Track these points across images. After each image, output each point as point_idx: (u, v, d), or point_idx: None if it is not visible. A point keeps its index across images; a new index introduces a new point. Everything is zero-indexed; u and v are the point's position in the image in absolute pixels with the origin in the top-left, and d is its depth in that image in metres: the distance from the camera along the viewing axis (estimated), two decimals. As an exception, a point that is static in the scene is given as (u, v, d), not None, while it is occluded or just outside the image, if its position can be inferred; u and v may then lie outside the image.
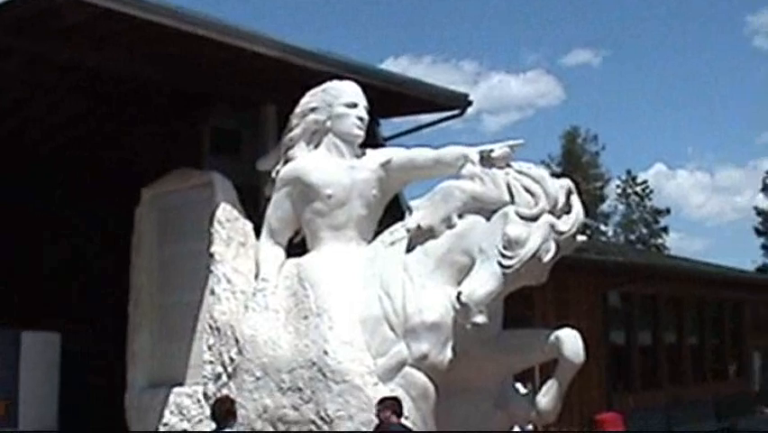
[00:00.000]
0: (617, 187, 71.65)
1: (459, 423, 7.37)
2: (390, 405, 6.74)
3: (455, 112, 13.37)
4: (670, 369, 24.07)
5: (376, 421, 6.81)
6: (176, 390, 8.97)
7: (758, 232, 76.56)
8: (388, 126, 14.38)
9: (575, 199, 7.10)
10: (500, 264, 6.81)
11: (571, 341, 7.25)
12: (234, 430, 7.17)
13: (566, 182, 7.17)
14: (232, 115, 11.58)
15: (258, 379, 8.00)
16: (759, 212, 76.56)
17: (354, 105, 8.67)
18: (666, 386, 23.21)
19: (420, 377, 7.15)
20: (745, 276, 32.94)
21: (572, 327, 7.35)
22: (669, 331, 24.71)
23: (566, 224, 6.96)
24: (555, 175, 8.39)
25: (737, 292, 28.24)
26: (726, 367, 27.77)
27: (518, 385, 9.38)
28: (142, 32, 9.05)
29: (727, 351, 27.73)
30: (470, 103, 13.12)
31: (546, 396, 7.33)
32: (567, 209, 7.02)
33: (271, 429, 7.81)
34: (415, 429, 6.95)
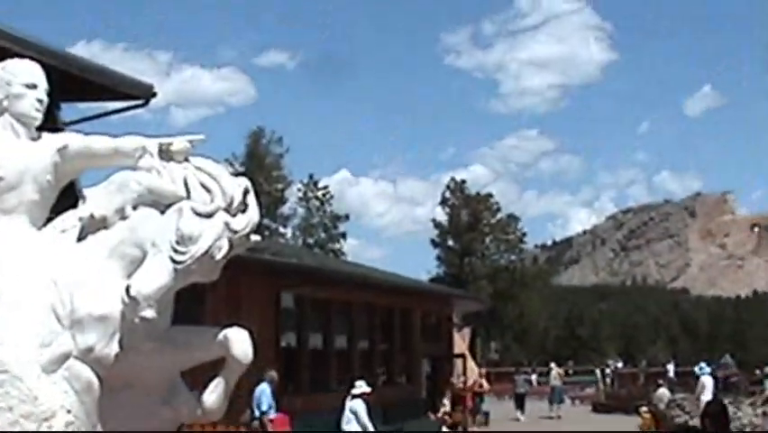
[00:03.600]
0: (299, 190, 73.21)
1: (124, 418, 7.34)
2: None
3: (139, 102, 13.31)
4: (340, 372, 24.88)
5: (37, 412, 6.68)
6: None
7: (434, 243, 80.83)
8: (70, 111, 14.09)
9: (251, 199, 7.26)
10: (172, 259, 6.85)
11: (239, 340, 7.37)
12: None
13: (244, 181, 7.32)
14: None
15: None
16: (436, 224, 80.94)
17: (34, 86, 8.39)
18: (336, 389, 23.96)
19: (85, 370, 7.05)
20: (415, 285, 34.66)
21: (243, 327, 7.49)
22: (340, 335, 25.56)
23: (241, 223, 7.09)
24: (236, 174, 8.55)
25: (408, 300, 29.65)
26: (395, 372, 29.07)
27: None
28: None
29: (397, 357, 29.02)
30: (154, 94, 13.11)
31: (213, 394, 7.41)
32: (243, 208, 7.16)
33: None
34: (78, 423, 6.88)
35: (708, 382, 27.33)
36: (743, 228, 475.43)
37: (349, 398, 19.23)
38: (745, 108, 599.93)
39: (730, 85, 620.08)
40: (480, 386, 37.25)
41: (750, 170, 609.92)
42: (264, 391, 18.93)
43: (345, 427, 18.80)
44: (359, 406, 18.83)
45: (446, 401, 31.15)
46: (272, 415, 18.92)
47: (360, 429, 18.60)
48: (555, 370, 41.93)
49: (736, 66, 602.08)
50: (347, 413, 18.85)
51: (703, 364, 34.25)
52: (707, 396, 26.43)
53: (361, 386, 19.28)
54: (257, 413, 18.94)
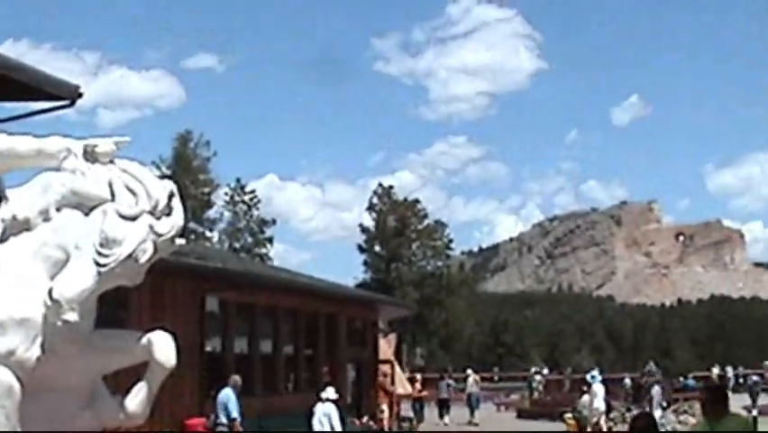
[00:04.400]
0: (226, 194, 72.83)
1: (45, 422, 7.30)
2: None
3: (65, 102, 13.20)
4: (265, 377, 24.84)
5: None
6: None
7: (361, 249, 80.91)
8: (-6, 111, 13.92)
9: (177, 202, 7.28)
10: (96, 262, 6.84)
11: (162, 344, 7.38)
12: None
13: (169, 184, 7.34)
14: None
15: None
16: (363, 230, 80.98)
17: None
18: (260, 394, 23.95)
19: (5, 373, 7.01)
20: (341, 290, 34.67)
21: (167, 331, 7.50)
22: (265, 340, 25.53)
23: (165, 226, 7.11)
24: (162, 177, 8.55)
25: (334, 305, 29.69)
26: (319, 377, 29.09)
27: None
28: None
29: (321, 362, 29.03)
30: (80, 94, 13.01)
31: (135, 399, 7.41)
32: (168, 212, 7.18)
33: None
34: (-3, 428, 6.83)
35: (599, 389, 27.86)
36: (668, 237, 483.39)
37: (320, 403, 20.47)
38: (672, 118, 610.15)
39: (657, 94, 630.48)
40: (420, 391, 37.71)
41: (676, 180, 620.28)
42: (230, 397, 19.04)
43: (317, 428, 19.57)
44: (332, 410, 20.07)
45: (385, 407, 31.33)
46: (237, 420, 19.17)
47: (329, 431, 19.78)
48: (472, 376, 42.30)
49: (663, 75, 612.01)
50: (319, 416, 19.64)
51: (595, 372, 35.08)
52: (598, 403, 27.07)
53: (331, 392, 20.84)
54: (223, 419, 19.09)
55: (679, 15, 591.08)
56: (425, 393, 39.02)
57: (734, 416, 8.97)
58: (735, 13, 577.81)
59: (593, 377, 32.31)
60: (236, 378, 19.73)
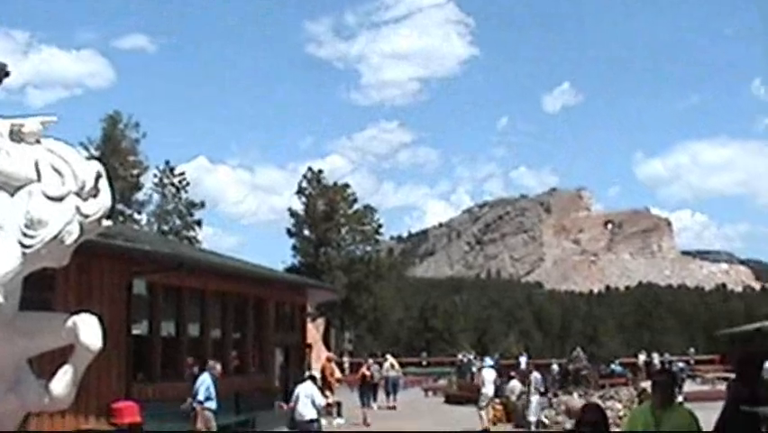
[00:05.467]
0: (155, 176, 72.20)
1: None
2: None
3: (-8, 81, 12.99)
4: (193, 361, 24.72)
5: None
6: None
7: (290, 233, 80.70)
8: None
9: (104, 184, 7.22)
10: (20, 243, 6.76)
11: (88, 327, 7.31)
12: None
13: (96, 165, 7.28)
14: None
15: None
16: (292, 214, 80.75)
17: None
18: (188, 378, 23.84)
19: (-73, 357, 6.93)
20: (270, 274, 34.61)
21: (93, 314, 7.44)
22: (193, 323, 25.42)
23: (92, 207, 7.05)
24: (90, 158, 8.47)
25: (262, 289, 29.66)
26: (248, 361, 29.02)
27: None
28: None
29: (250, 346, 28.99)
30: (7, 73, 12.84)
31: (60, 382, 7.35)
32: (95, 193, 7.12)
33: None
34: None
35: (488, 375, 28.29)
36: (597, 224, 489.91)
37: (301, 384, 20.65)
38: (602, 105, 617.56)
39: (588, 82, 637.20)
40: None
41: (605, 168, 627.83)
42: (203, 382, 18.96)
43: (302, 409, 19.61)
44: (314, 390, 20.19)
45: (328, 393, 31.38)
46: (213, 406, 19.06)
47: (315, 412, 19.93)
48: (390, 361, 42.46)
49: (595, 64, 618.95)
50: (302, 397, 19.74)
51: (487, 358, 35.45)
52: (487, 389, 27.52)
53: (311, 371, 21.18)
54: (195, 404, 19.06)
55: (610, 4, 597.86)
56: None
57: (679, 407, 8.85)
58: (666, 4, 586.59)
59: (483, 362, 32.95)
60: (213, 363, 19.79)
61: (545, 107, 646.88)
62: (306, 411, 19.78)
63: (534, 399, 26.94)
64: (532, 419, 26.67)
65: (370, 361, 39.57)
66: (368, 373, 34.82)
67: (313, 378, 21.48)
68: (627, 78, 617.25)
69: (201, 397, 18.77)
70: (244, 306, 28.47)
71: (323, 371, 30.47)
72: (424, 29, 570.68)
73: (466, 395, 39.73)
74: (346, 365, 61.14)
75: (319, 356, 37.87)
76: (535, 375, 28.16)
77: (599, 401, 27.26)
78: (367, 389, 33.54)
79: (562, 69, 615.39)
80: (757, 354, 19.35)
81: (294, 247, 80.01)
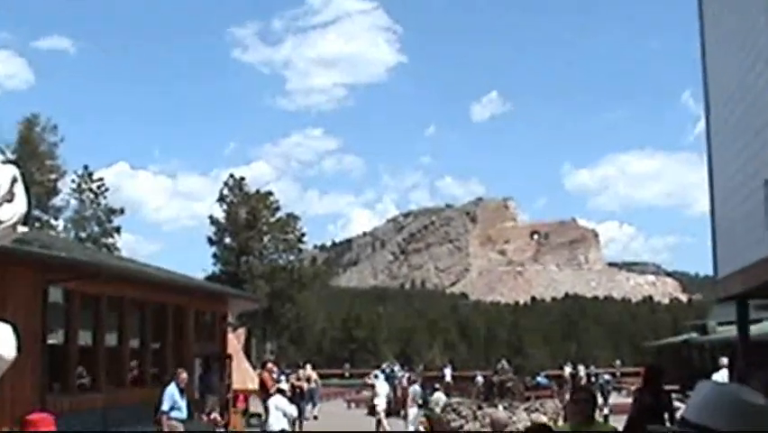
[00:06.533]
0: (73, 181, 71.32)
1: None
2: None
3: None
4: (110, 371, 24.48)
5: None
6: None
7: (211, 241, 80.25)
8: None
9: (19, 188, 7.12)
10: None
11: (2, 336, 7.23)
12: None
13: (11, 169, 7.18)
14: None
15: None
16: (213, 221, 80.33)
17: None
18: (106, 388, 23.62)
19: None
20: (190, 282, 34.39)
21: (7, 322, 7.34)
22: (111, 332, 25.15)
23: (7, 213, 6.96)
24: (5, 161, 8.37)
25: (182, 298, 29.46)
26: (167, 371, 28.79)
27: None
28: None
29: (169, 356, 28.76)
30: None
31: (-29, 392, 7.27)
32: (9, 198, 7.03)
33: None
34: None
35: (380, 388, 28.70)
36: (523, 235, 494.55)
37: (272, 397, 21.16)
38: (531, 116, 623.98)
39: (516, 92, 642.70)
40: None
41: (533, 178, 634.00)
42: (166, 392, 18.85)
43: (273, 421, 19.77)
44: (283, 402, 20.55)
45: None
46: (182, 415, 18.94)
47: (286, 423, 20.31)
48: (308, 371, 42.67)
49: (523, 73, 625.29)
50: (272, 410, 19.86)
51: (377, 372, 35.93)
52: (379, 402, 27.98)
53: (283, 384, 22.50)
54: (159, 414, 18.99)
55: (541, 14, 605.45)
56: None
57: (601, 424, 9.01)
58: (597, 15, 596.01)
59: (376, 376, 33.45)
60: (180, 372, 19.77)
61: (473, 116, 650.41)
62: (277, 424, 19.86)
63: (412, 411, 27.31)
64: (411, 428, 27.04)
65: (301, 372, 39.78)
66: (297, 383, 35.02)
67: (281, 391, 21.65)
68: (556, 88, 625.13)
69: (165, 407, 18.73)
70: (164, 315, 28.26)
71: (262, 382, 30.35)
72: (351, 35, 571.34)
73: (390, 407, 39.88)
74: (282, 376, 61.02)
75: (240, 366, 37.59)
76: (415, 388, 28.57)
77: (525, 414, 27.63)
78: (299, 400, 33.72)
79: (490, 79, 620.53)
80: (662, 367, 20.53)
81: (215, 255, 79.64)
